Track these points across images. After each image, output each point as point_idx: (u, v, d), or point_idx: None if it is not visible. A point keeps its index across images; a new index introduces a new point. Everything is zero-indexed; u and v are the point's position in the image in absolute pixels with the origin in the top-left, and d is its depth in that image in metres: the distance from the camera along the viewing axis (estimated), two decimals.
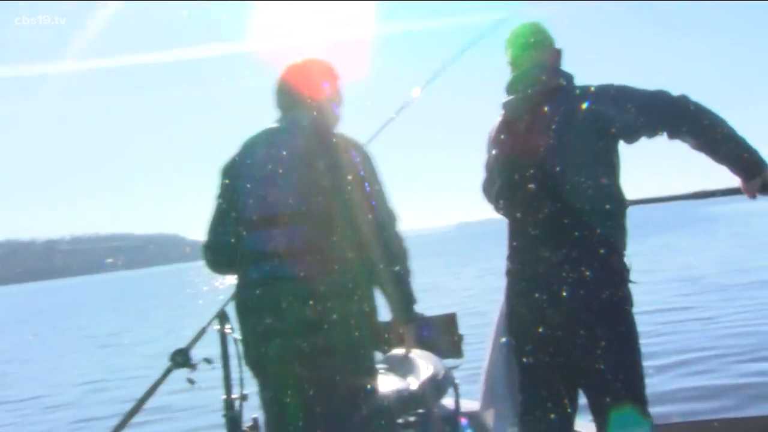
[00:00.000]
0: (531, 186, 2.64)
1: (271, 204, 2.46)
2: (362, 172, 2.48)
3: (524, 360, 2.70)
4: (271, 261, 2.43)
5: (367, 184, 2.48)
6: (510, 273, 2.78)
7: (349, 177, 2.44)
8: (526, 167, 2.66)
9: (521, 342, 2.72)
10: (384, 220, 2.52)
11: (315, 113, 2.58)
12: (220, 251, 2.61)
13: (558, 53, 2.81)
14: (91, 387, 12.03)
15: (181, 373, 2.93)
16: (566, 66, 2.80)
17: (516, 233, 2.75)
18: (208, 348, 2.96)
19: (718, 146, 2.53)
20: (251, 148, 2.59)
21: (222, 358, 2.91)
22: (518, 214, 2.71)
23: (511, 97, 2.77)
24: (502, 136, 2.79)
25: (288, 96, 2.64)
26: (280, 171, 2.46)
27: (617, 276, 2.62)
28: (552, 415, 2.67)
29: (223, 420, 2.91)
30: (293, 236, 2.40)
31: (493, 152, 2.83)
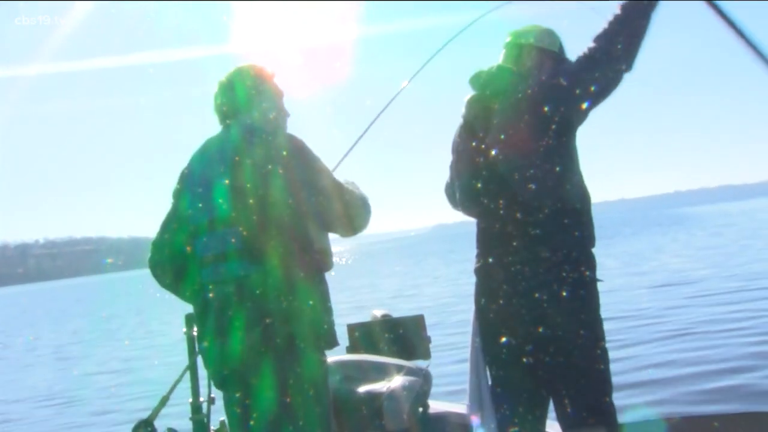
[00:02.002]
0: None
1: (206, 210, 2.53)
2: (294, 166, 2.50)
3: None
4: (213, 265, 2.51)
5: (301, 174, 2.50)
6: (478, 272, 2.80)
7: (281, 174, 2.46)
8: (487, 168, 2.70)
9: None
10: (331, 196, 2.55)
11: (248, 120, 2.63)
12: (158, 249, 2.71)
13: (554, 55, 2.82)
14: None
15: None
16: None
17: (484, 232, 2.78)
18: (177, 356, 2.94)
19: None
20: (193, 158, 2.68)
21: (189, 360, 2.92)
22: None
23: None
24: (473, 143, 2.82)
25: (220, 109, 2.71)
26: (212, 178, 2.54)
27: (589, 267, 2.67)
28: (529, 416, 2.71)
29: (190, 423, 2.91)
30: (228, 240, 2.46)
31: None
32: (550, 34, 2.84)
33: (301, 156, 2.52)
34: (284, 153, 2.50)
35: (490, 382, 2.81)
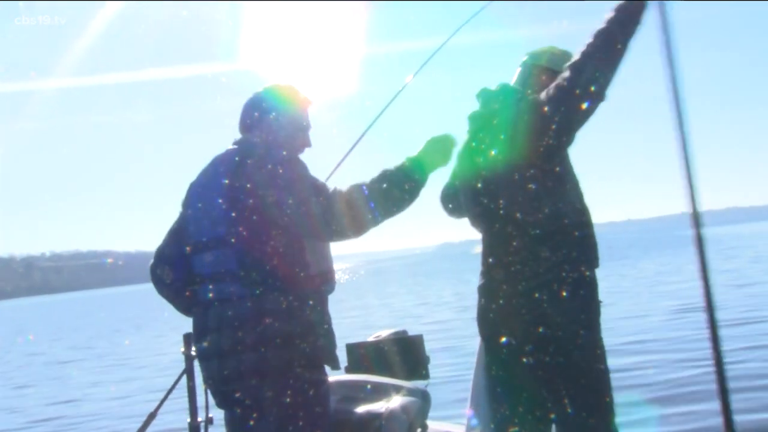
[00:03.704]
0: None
1: (200, 230, 2.56)
2: (290, 189, 2.45)
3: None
4: (204, 285, 2.53)
5: (288, 194, 2.44)
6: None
7: (275, 194, 2.43)
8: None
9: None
10: (324, 212, 2.42)
11: (254, 135, 2.66)
12: (161, 257, 2.73)
13: (545, 71, 2.85)
14: None
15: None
16: None
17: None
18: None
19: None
20: (200, 173, 2.70)
21: (187, 380, 2.93)
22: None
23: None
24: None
25: (240, 123, 2.74)
26: (211, 196, 2.55)
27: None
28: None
29: None
30: (225, 259, 2.47)
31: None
32: (563, 55, 2.83)
33: (298, 180, 2.48)
34: (280, 176, 2.47)
35: (489, 382, 2.83)
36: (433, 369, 3.87)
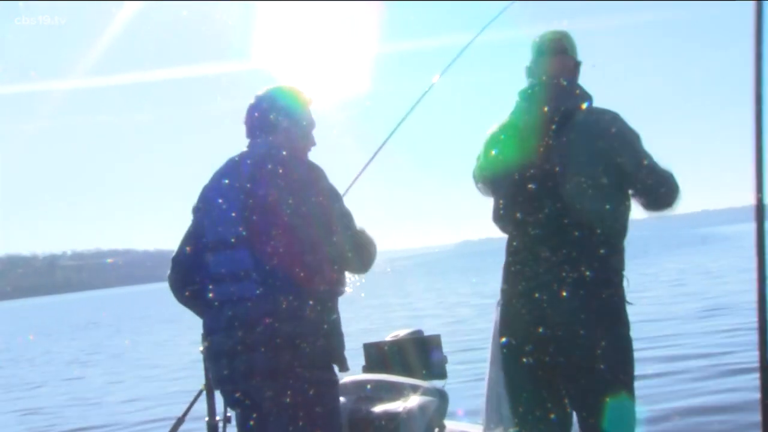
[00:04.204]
0: (531, 186, 2.67)
1: (218, 230, 2.58)
2: (307, 193, 2.54)
3: (524, 360, 2.70)
4: (221, 283, 2.55)
5: (317, 201, 2.53)
6: (508, 273, 2.80)
7: (293, 198, 2.50)
8: (529, 170, 2.69)
9: (520, 343, 2.72)
10: (341, 227, 2.59)
11: (274, 138, 2.67)
12: (178, 266, 2.73)
13: (576, 65, 2.83)
14: None
15: None
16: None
17: (516, 234, 2.78)
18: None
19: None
20: (214, 175, 2.72)
21: (205, 379, 2.94)
22: (518, 215, 2.74)
23: (526, 105, 2.80)
24: (503, 137, 2.84)
25: (250, 125, 2.75)
26: (227, 197, 2.59)
27: (617, 276, 2.67)
28: (552, 415, 2.70)
29: None
30: (240, 259, 2.50)
31: (493, 152, 2.86)
32: (572, 41, 2.87)
33: (315, 185, 2.56)
34: (298, 180, 2.53)
35: (517, 382, 2.79)
36: (450, 369, 3.86)
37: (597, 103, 2.76)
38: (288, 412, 2.45)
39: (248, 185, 2.54)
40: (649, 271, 22.69)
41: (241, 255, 2.50)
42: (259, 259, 2.47)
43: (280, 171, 2.54)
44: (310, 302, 2.48)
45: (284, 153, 2.61)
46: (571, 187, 2.62)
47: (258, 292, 2.45)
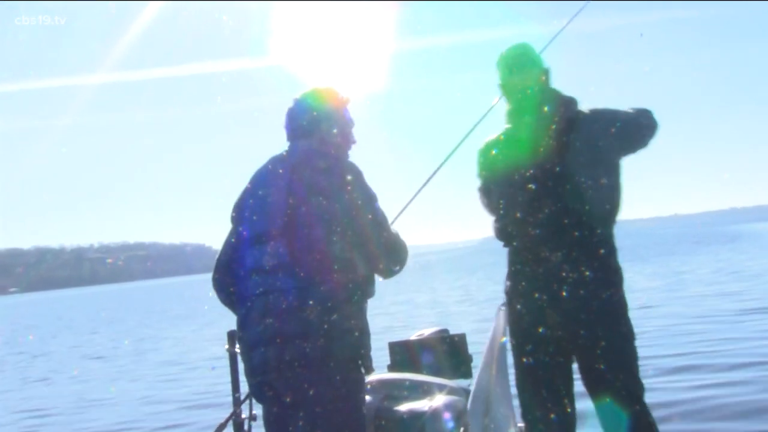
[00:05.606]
0: (531, 186, 2.69)
1: (257, 224, 2.62)
2: (350, 193, 2.58)
3: (524, 360, 2.74)
4: (255, 277, 2.58)
5: (351, 203, 2.57)
6: (511, 274, 2.84)
7: (329, 199, 2.54)
8: (529, 170, 2.72)
9: (521, 342, 2.77)
10: (374, 231, 2.62)
11: (312, 142, 2.72)
12: (221, 267, 2.78)
13: (546, 72, 2.89)
14: None
15: None
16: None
17: (516, 234, 2.81)
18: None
19: None
20: (253, 175, 2.78)
21: (231, 377, 2.96)
22: (519, 215, 2.77)
23: (520, 115, 2.85)
24: (504, 138, 2.90)
25: (289, 127, 2.81)
26: (267, 194, 2.64)
27: (616, 275, 2.68)
28: (552, 415, 2.72)
29: None
30: (274, 253, 2.54)
31: (493, 152, 2.92)
32: (535, 52, 2.97)
33: (354, 185, 2.59)
34: (338, 180, 2.57)
35: (519, 381, 2.87)
36: (475, 368, 3.85)
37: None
38: (315, 407, 2.47)
39: (287, 186, 2.59)
40: (684, 269, 21.80)
41: (278, 249, 2.53)
42: (295, 254, 2.50)
43: (318, 173, 2.58)
44: (342, 299, 2.51)
45: (323, 155, 2.66)
46: (571, 187, 2.62)
47: (293, 284, 2.49)
